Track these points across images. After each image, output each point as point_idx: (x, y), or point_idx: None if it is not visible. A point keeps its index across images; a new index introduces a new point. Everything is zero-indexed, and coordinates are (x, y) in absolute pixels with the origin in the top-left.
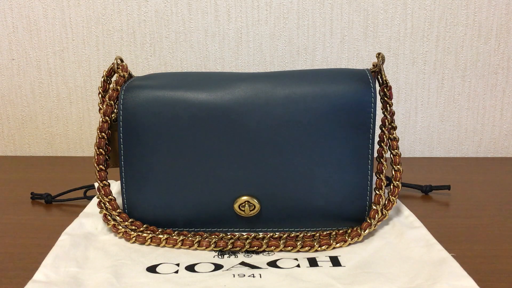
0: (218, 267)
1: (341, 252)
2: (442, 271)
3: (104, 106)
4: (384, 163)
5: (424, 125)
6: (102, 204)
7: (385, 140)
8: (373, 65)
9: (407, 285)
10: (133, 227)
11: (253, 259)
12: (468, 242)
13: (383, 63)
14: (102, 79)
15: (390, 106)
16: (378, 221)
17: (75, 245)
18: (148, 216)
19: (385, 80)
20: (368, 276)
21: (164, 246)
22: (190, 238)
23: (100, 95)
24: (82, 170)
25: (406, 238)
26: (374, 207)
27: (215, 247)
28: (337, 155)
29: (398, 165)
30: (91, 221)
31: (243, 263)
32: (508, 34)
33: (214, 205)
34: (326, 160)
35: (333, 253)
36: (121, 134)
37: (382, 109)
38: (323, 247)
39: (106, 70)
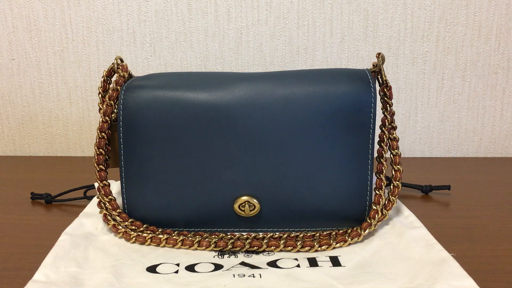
0: (218, 267)
1: (341, 252)
2: (442, 271)
3: (104, 106)
4: (384, 163)
5: (424, 125)
6: (102, 204)
7: (385, 140)
8: (373, 65)
9: (407, 285)
10: (133, 227)
11: (253, 259)
12: (468, 242)
13: (383, 63)
14: (102, 79)
15: (390, 106)
16: (378, 221)
17: (75, 245)
18: (148, 216)
19: (385, 80)
20: (368, 276)
21: (164, 246)
22: (190, 238)
23: (100, 95)
24: (82, 170)
25: (406, 238)
26: (374, 207)
27: (215, 247)
28: (337, 155)
29: (398, 165)
30: (91, 221)
31: (243, 263)
32: (508, 34)
33: (214, 205)
34: (326, 160)
35: (333, 253)
36: (121, 134)
37: (382, 109)
38: (323, 247)
39: (106, 70)
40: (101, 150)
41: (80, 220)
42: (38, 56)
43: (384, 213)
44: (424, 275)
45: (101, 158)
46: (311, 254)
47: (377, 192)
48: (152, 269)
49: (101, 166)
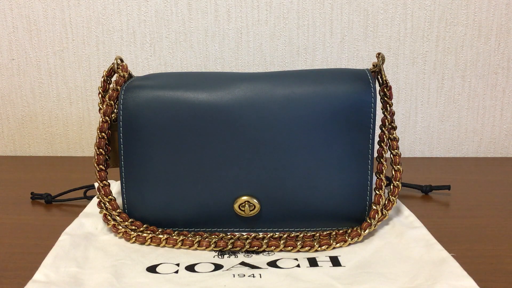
0: (218, 267)
1: (341, 252)
2: (442, 271)
3: (104, 106)
4: (384, 163)
5: (424, 125)
6: (102, 204)
7: (385, 140)
8: (373, 65)
9: (407, 285)
10: (133, 227)
11: (253, 259)
12: (468, 242)
13: (383, 63)
14: (102, 79)
15: (390, 106)
16: (378, 221)
17: (75, 245)
18: (148, 216)
19: (385, 80)
20: (368, 276)
21: (164, 246)
22: (190, 238)
23: (100, 95)
24: (82, 170)
25: (406, 238)
26: (374, 207)
27: (215, 247)
28: (337, 155)
29: (398, 165)
30: (91, 221)
31: (243, 263)
32: (508, 34)
33: (214, 205)
34: (326, 160)
35: (333, 253)
36: (121, 134)
37: (382, 109)
38: (323, 247)
39: (106, 70)
40: (101, 150)
41: (80, 220)
42: (38, 56)
43: (384, 213)
44: (424, 275)
45: (101, 158)
46: (311, 254)
47: (377, 192)
48: (152, 269)
49: (101, 166)
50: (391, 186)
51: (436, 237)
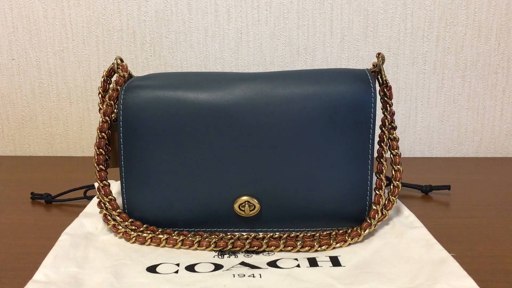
0: (218, 267)
1: (341, 252)
2: (442, 271)
3: (104, 106)
4: (384, 163)
5: (424, 125)
6: (102, 204)
7: (385, 140)
8: (373, 65)
9: (407, 285)
10: (133, 227)
11: (253, 259)
12: (468, 242)
13: (383, 63)
14: (102, 79)
15: (390, 106)
16: (378, 221)
17: (75, 245)
18: (148, 216)
19: (385, 80)
20: (368, 276)
21: (164, 246)
22: (190, 238)
23: (100, 95)
24: (82, 170)
25: (406, 238)
26: (374, 207)
27: (215, 247)
28: (337, 155)
29: (398, 165)
30: (91, 221)
31: (243, 263)
32: (508, 34)
33: (214, 205)
34: (326, 160)
35: (333, 253)
36: (121, 134)
37: (382, 109)
38: (323, 247)
39: (106, 70)
40: (101, 150)
41: (80, 220)
42: (38, 56)
43: (384, 213)
44: (424, 275)
45: (101, 158)
46: (311, 254)
47: (377, 192)
48: (152, 269)
49: (101, 166)
50: (391, 186)
51: (436, 237)
